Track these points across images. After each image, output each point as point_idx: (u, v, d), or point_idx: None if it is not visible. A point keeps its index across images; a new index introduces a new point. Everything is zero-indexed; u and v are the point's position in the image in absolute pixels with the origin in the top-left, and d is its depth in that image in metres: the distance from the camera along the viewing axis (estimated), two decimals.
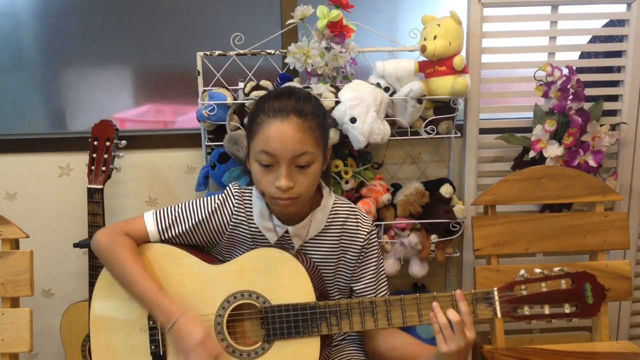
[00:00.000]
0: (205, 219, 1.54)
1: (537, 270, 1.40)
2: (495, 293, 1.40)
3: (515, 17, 2.32)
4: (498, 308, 1.40)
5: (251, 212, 1.55)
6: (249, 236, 1.55)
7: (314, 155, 1.42)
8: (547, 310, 1.39)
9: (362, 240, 1.57)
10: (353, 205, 1.62)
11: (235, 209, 1.54)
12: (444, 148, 2.39)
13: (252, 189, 1.57)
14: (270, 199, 1.45)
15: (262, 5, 2.38)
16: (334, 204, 1.58)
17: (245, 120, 2.08)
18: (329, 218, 1.56)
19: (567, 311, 1.39)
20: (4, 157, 2.31)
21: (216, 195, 1.56)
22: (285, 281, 1.46)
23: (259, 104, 1.46)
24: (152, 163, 2.35)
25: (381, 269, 1.62)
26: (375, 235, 1.61)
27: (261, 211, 1.53)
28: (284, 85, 2.09)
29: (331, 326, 1.44)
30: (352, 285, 1.61)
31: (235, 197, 1.55)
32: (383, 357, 1.59)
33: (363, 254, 1.59)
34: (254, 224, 1.55)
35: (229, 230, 1.55)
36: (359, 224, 1.58)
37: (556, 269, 1.40)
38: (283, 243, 1.55)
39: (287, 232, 1.53)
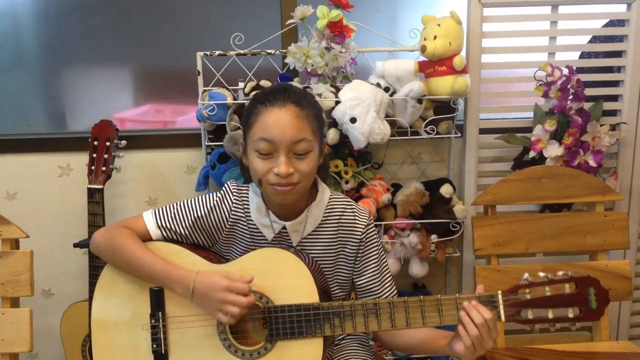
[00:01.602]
0: (204, 216, 1.54)
1: (541, 274, 1.39)
2: (500, 296, 1.40)
3: (515, 17, 2.32)
4: (502, 311, 1.39)
5: (249, 208, 1.55)
6: (247, 233, 1.55)
7: (311, 143, 1.43)
8: (550, 314, 1.38)
9: (360, 233, 1.57)
10: (349, 199, 1.61)
11: (234, 205, 1.54)
12: (444, 148, 2.39)
13: (248, 186, 1.57)
14: (268, 187, 1.44)
15: (262, 5, 2.38)
16: (330, 198, 1.58)
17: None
18: (325, 212, 1.56)
19: (570, 315, 1.38)
20: (4, 157, 2.31)
21: (214, 193, 1.57)
22: (288, 281, 1.45)
23: (255, 98, 1.47)
24: (152, 163, 2.35)
25: (384, 263, 1.61)
26: (374, 229, 1.61)
27: (258, 207, 1.53)
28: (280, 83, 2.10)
29: (334, 327, 1.43)
30: (355, 280, 1.61)
31: (234, 193, 1.55)
32: (396, 348, 1.60)
33: (362, 247, 1.58)
34: (252, 220, 1.55)
35: (228, 226, 1.55)
36: (356, 217, 1.58)
37: (560, 272, 1.39)
38: (280, 239, 1.55)
39: (284, 228, 1.53)
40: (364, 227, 1.58)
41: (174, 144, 2.36)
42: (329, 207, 1.57)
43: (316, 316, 1.43)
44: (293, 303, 1.44)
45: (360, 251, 1.59)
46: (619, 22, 2.32)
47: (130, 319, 1.50)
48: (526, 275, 1.40)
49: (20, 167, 2.31)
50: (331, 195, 1.59)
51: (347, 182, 2.18)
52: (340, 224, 1.57)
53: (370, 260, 1.59)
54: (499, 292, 1.40)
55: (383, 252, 1.62)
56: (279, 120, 1.39)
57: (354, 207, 1.60)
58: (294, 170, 1.41)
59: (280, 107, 1.40)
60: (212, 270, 1.45)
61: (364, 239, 1.58)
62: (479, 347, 1.37)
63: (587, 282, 1.38)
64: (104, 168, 2.09)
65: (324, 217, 1.56)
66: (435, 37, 2.10)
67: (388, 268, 1.63)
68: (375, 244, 1.60)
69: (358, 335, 1.70)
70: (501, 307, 1.39)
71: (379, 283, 1.60)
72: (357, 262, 1.59)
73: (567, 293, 1.38)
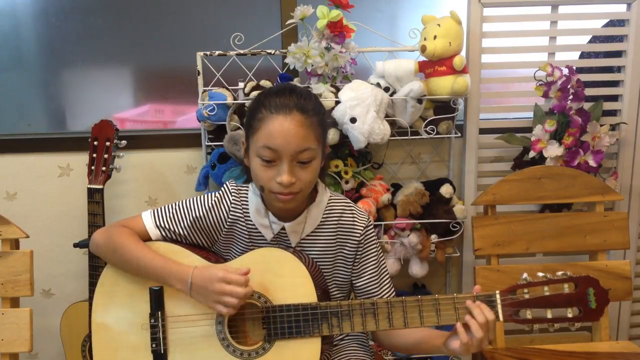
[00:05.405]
0: (202, 216, 1.54)
1: (540, 274, 1.39)
2: (498, 296, 1.39)
3: (515, 17, 2.32)
4: (500, 311, 1.39)
5: (248, 209, 1.55)
6: (246, 233, 1.55)
7: (315, 151, 1.43)
8: (549, 314, 1.38)
9: (358, 234, 1.57)
10: (348, 201, 1.62)
11: (233, 205, 1.55)
12: (444, 148, 2.39)
13: (248, 186, 1.57)
14: (270, 194, 1.45)
15: (262, 5, 2.38)
16: (329, 199, 1.58)
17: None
18: (324, 214, 1.56)
19: (569, 315, 1.37)
20: (4, 157, 2.31)
21: (213, 193, 1.57)
22: (286, 281, 1.46)
23: (259, 99, 1.46)
24: (152, 163, 2.35)
25: (383, 265, 1.62)
26: (373, 231, 1.61)
27: (257, 208, 1.54)
28: (283, 83, 2.09)
29: (332, 327, 1.44)
30: (353, 281, 1.61)
31: (232, 193, 1.56)
32: (394, 348, 1.60)
33: (361, 248, 1.58)
34: (251, 220, 1.55)
35: (226, 227, 1.55)
36: (355, 219, 1.58)
37: (559, 272, 1.39)
38: (279, 240, 1.55)
39: (283, 228, 1.53)
40: (362, 228, 1.58)
41: (174, 144, 2.36)
42: (328, 208, 1.57)
43: (314, 316, 1.44)
44: (291, 303, 1.44)
45: (359, 253, 1.59)
46: (619, 22, 2.32)
47: (130, 319, 1.50)
48: (525, 275, 1.39)
49: (20, 167, 2.32)
50: (331, 196, 1.59)
51: (347, 182, 2.18)
52: (339, 225, 1.57)
53: (369, 262, 1.60)
54: (497, 292, 1.40)
55: (382, 254, 1.63)
56: (283, 130, 1.39)
57: (353, 208, 1.60)
58: (296, 179, 1.41)
59: (285, 116, 1.40)
60: (210, 264, 1.46)
61: (362, 241, 1.58)
62: (473, 347, 1.37)
63: (587, 282, 1.37)
64: (104, 168, 2.09)
65: (323, 218, 1.56)
66: (435, 37, 2.10)
67: (387, 270, 1.63)
68: (374, 245, 1.60)
69: (357, 335, 1.70)
70: (499, 307, 1.39)
71: (377, 285, 1.60)
72: (355, 264, 1.60)
73: (566, 293, 1.38)
